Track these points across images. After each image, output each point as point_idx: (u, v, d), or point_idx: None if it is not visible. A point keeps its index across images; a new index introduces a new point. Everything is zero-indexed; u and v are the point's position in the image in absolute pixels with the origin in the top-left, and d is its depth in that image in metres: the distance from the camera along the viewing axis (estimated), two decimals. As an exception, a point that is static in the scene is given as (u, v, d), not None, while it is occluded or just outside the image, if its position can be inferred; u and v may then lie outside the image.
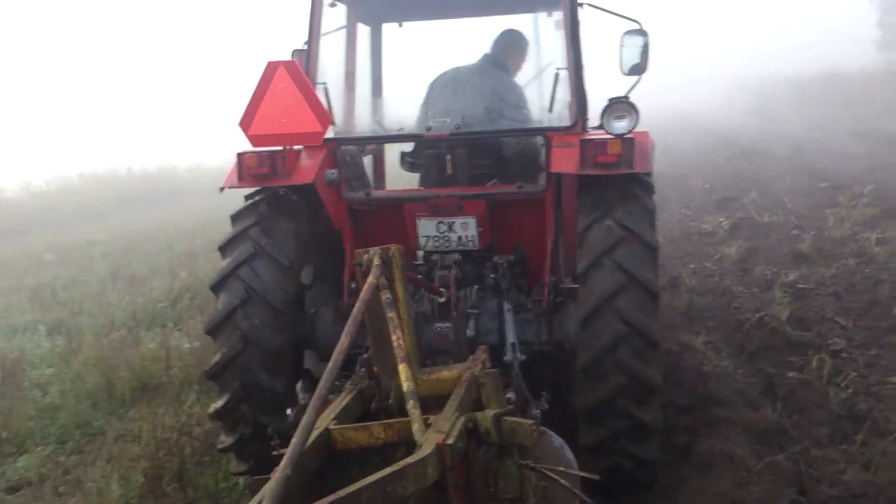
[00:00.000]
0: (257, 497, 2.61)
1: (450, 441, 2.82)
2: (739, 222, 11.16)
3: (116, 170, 28.54)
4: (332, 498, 2.50)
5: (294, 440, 2.65)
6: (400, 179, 6.19)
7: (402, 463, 2.70)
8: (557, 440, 3.43)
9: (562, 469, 3.20)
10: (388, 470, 2.64)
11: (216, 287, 4.54)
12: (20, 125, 41.72)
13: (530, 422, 3.07)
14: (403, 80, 6.09)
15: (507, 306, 4.55)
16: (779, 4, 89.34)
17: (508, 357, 4.26)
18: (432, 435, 2.87)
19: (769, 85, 49.63)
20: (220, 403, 4.46)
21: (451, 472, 2.86)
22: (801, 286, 7.38)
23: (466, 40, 5.81)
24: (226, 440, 4.52)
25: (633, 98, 4.50)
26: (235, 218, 4.68)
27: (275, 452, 3.25)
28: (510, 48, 5.58)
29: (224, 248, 4.62)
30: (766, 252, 9.08)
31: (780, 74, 49.61)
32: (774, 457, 4.21)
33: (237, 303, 4.38)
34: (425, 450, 2.77)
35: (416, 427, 2.97)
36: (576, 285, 4.35)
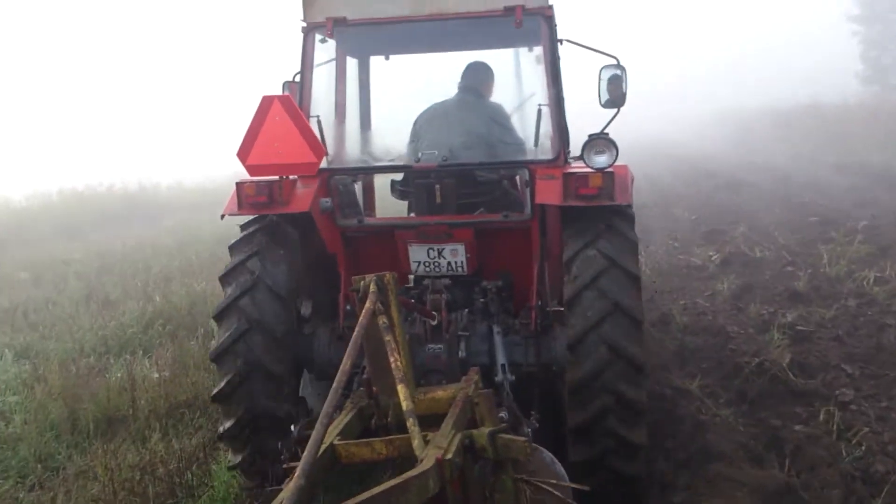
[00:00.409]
0: None
1: (448, 456, 3.03)
2: (730, 257, 10.92)
3: (97, 186, 28.16)
4: None
5: (305, 454, 2.84)
6: (389, 205, 6.26)
7: (404, 476, 2.89)
8: (548, 455, 3.70)
9: (554, 482, 3.47)
10: (392, 482, 2.83)
11: (218, 317, 4.75)
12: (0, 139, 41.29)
13: (523, 438, 3.32)
14: (391, 110, 6.28)
15: (496, 329, 4.84)
16: (760, 36, 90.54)
17: (499, 378, 4.51)
18: (432, 450, 3.06)
19: (750, 116, 49.93)
20: (226, 426, 4.69)
21: (451, 486, 3.10)
22: (800, 328, 7.08)
23: (446, 72, 6.00)
24: (233, 459, 4.79)
25: (613, 126, 4.78)
26: (233, 248, 4.89)
27: (284, 466, 3.45)
28: (481, 78, 5.78)
29: (224, 279, 4.82)
30: (760, 290, 8.81)
31: (762, 106, 49.98)
32: (786, 525, 3.84)
33: (239, 333, 4.61)
34: (426, 464, 2.96)
35: (416, 443, 3.16)
36: (561, 308, 4.72)
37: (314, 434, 2.91)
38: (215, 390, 4.70)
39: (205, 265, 13.55)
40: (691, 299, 9.20)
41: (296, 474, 2.78)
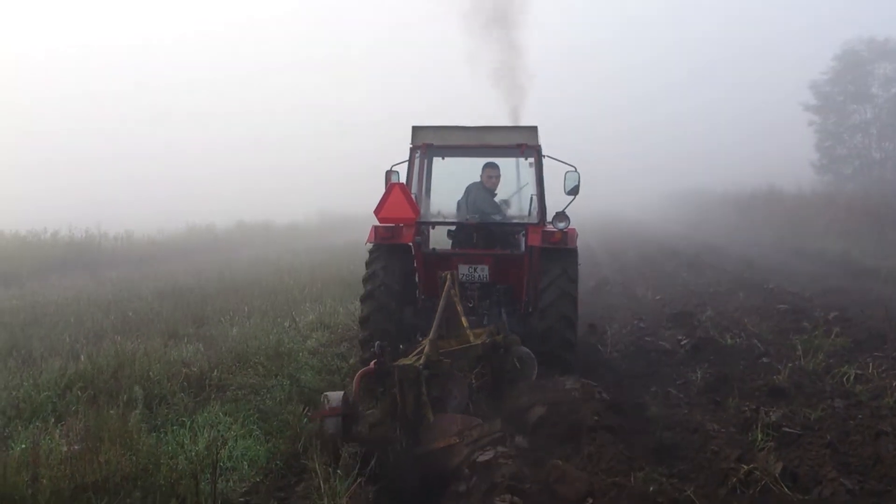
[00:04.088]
0: (415, 354, 6.96)
1: (486, 341, 7.46)
2: (700, 343, 10.39)
3: (41, 232, 26.87)
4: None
5: (429, 344, 6.86)
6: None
7: (466, 346, 7.38)
8: (527, 349, 7.84)
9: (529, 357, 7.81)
10: (461, 347, 7.36)
11: (365, 283, 8.78)
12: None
13: (517, 338, 7.85)
14: (450, 189, 10.08)
15: (503, 311, 8.92)
16: (720, 123, 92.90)
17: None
18: (478, 339, 7.50)
19: (710, 200, 50.48)
20: (362, 336, 8.71)
21: (486, 357, 7.58)
22: (786, 430, 6.44)
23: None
24: (363, 354, 8.54)
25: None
26: (370, 254, 8.93)
27: (405, 351, 7.83)
28: (490, 175, 9.80)
29: (367, 265, 8.87)
30: (737, 382, 8.20)
31: (721, 190, 50.62)
32: None
33: (374, 291, 8.62)
34: (476, 343, 7.45)
35: (472, 339, 7.55)
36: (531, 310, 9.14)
37: (432, 335, 7.04)
38: (361, 316, 8.83)
39: (142, 322, 12.63)
40: (663, 387, 8.59)
41: (426, 349, 6.78)
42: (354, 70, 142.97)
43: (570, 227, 8.54)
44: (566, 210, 8.72)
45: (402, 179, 9.13)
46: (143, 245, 29.36)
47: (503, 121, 10.87)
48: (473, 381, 7.32)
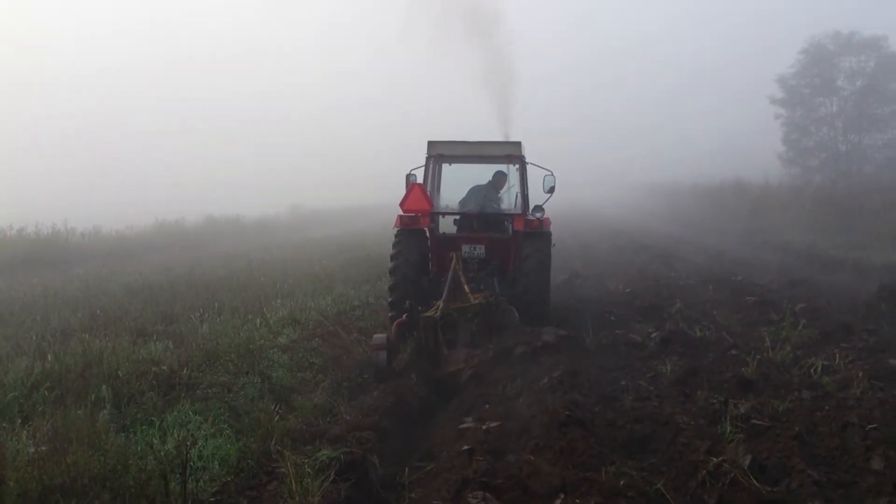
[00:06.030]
0: (433, 310, 9.99)
1: (482, 301, 10.21)
2: (670, 335, 10.43)
3: (7, 229, 26.40)
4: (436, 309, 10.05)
5: (442, 302, 10.10)
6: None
7: (467, 304, 10.23)
8: (513, 308, 10.55)
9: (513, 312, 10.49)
10: (465, 304, 10.24)
11: (392, 258, 11.36)
12: None
13: (505, 299, 10.73)
14: (456, 187, 12.97)
15: (496, 279, 11.70)
16: (689, 117, 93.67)
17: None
18: (476, 299, 10.32)
19: (680, 192, 50.87)
20: (391, 299, 11.25)
21: (482, 312, 10.14)
22: (755, 422, 6.50)
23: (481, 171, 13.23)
24: (393, 312, 11.00)
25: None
26: (395, 237, 11.54)
27: (423, 310, 9.98)
28: (499, 179, 12.92)
29: (393, 247, 11.45)
30: (706, 374, 8.27)
31: (691, 183, 51.01)
32: None
33: (399, 264, 11.22)
34: (475, 302, 10.23)
35: (472, 300, 10.30)
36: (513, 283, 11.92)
37: (444, 297, 10.24)
38: (389, 284, 11.37)
39: (110, 320, 12.46)
40: (633, 380, 8.65)
41: (440, 306, 9.96)
42: (336, 60, 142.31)
43: (545, 216, 11.47)
44: (544, 205, 11.59)
45: (420, 181, 11.75)
46: (111, 241, 29.01)
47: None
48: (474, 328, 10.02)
